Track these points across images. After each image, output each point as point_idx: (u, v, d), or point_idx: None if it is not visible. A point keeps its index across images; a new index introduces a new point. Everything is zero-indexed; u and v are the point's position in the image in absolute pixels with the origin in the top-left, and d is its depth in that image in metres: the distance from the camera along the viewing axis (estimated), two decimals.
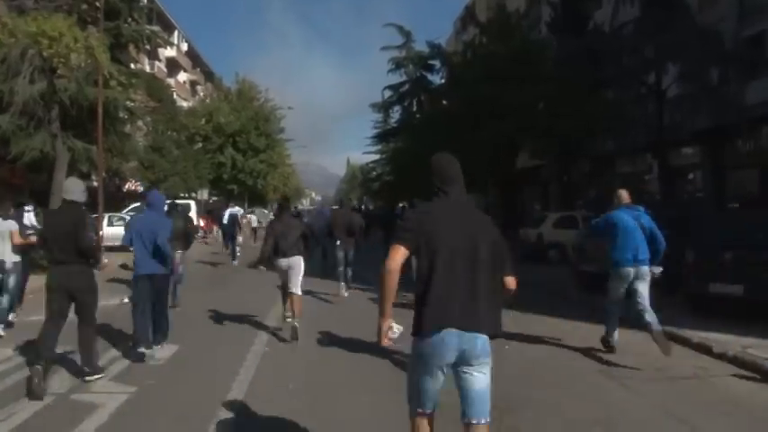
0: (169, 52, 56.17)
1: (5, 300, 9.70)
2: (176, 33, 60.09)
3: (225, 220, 22.92)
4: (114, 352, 8.17)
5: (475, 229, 3.66)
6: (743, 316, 9.05)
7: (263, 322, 10.31)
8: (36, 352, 6.68)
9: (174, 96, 49.09)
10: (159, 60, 54.40)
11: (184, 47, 64.52)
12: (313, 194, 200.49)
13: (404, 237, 3.60)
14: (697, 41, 18.08)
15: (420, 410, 3.76)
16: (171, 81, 55.70)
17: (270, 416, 5.72)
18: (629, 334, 9.07)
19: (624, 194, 8.02)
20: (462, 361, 3.52)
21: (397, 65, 44.45)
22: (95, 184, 24.99)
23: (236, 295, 13.70)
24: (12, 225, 9.80)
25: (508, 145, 23.62)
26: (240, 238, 23.08)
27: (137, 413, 5.83)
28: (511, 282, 3.84)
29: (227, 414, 5.69)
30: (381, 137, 51.63)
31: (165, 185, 36.40)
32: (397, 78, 44.80)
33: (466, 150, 23.69)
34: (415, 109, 43.58)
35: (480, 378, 3.63)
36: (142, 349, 7.83)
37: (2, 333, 9.40)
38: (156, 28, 33.73)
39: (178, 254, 11.27)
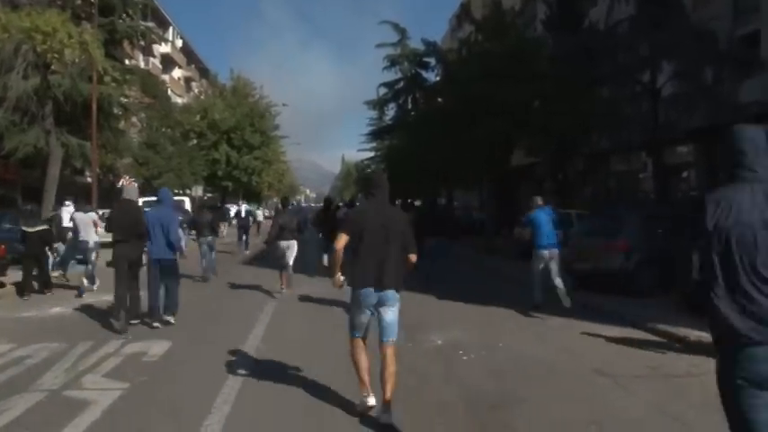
0: (164, 48, 56.03)
1: (90, 267, 13.30)
2: (171, 29, 59.93)
3: (242, 215, 26.20)
4: (107, 348, 8.14)
5: (389, 221, 5.49)
6: None
7: (258, 317, 10.30)
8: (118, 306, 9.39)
9: (169, 93, 49.01)
10: (154, 56, 54.21)
11: (179, 43, 64.35)
12: (307, 191, 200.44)
13: (345, 228, 5.57)
14: (691, 40, 18.11)
15: (357, 335, 5.69)
16: (165, 77, 55.53)
17: (263, 412, 5.71)
18: (624, 332, 9.12)
19: (538, 200, 11.03)
20: (379, 304, 5.45)
21: (393, 62, 44.33)
22: (89, 180, 24.94)
23: (233, 291, 13.68)
24: (93, 216, 13.37)
25: (503, 142, 23.61)
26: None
27: (130, 409, 5.80)
28: (412, 257, 5.61)
29: (219, 411, 5.67)
30: (376, 134, 51.59)
31: (160, 182, 36.34)
32: (392, 76, 44.72)
33: (461, 148, 23.74)
34: (410, 106, 43.52)
35: (390, 314, 5.51)
36: (156, 324, 9.55)
37: (94, 288, 13.09)
38: (150, 24, 33.64)
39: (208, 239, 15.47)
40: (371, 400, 5.48)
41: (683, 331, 8.44)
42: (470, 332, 9.06)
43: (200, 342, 8.68)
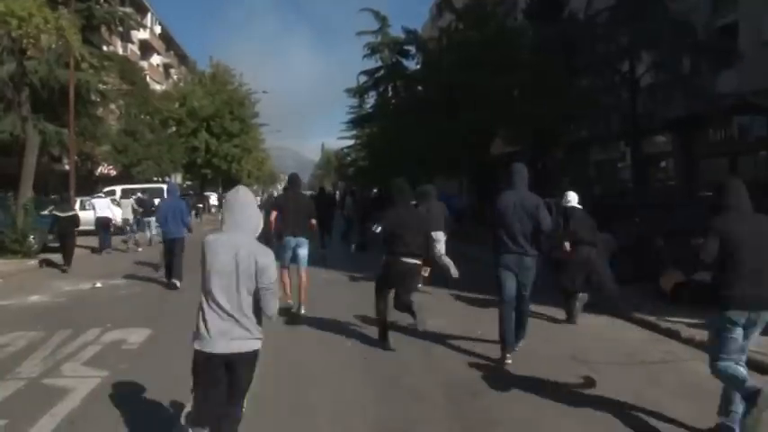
0: (142, 35, 55.36)
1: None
2: (149, 15, 59.18)
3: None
4: (86, 336, 8.12)
5: (299, 203, 9.75)
6: (712, 302, 9.18)
7: None
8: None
9: (148, 80, 48.43)
10: (132, 43, 53.54)
11: (158, 29, 63.57)
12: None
13: (276, 205, 10.28)
14: (670, 31, 18.21)
15: (283, 265, 9.18)
16: (144, 64, 54.90)
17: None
18: (601, 319, 9.24)
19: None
20: (295, 247, 9.52)
21: (373, 50, 44.11)
22: (67, 167, 24.65)
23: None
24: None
25: (483, 131, 23.67)
26: None
27: (109, 397, 5.82)
28: (312, 223, 9.94)
29: None
30: (356, 122, 51.42)
31: (138, 169, 36.03)
32: (372, 63, 44.53)
33: (440, 136, 23.77)
34: (390, 95, 43.40)
35: (302, 251, 9.67)
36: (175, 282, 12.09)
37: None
38: (128, 10, 33.31)
39: None
40: (292, 303, 9.65)
41: (656, 319, 8.59)
42: (450, 321, 9.11)
43: (179, 329, 8.64)
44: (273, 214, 10.02)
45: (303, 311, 9.42)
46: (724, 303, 4.73)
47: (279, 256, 7.63)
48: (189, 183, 51.73)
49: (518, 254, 6.91)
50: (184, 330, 8.39)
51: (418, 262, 7.51)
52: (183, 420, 4.31)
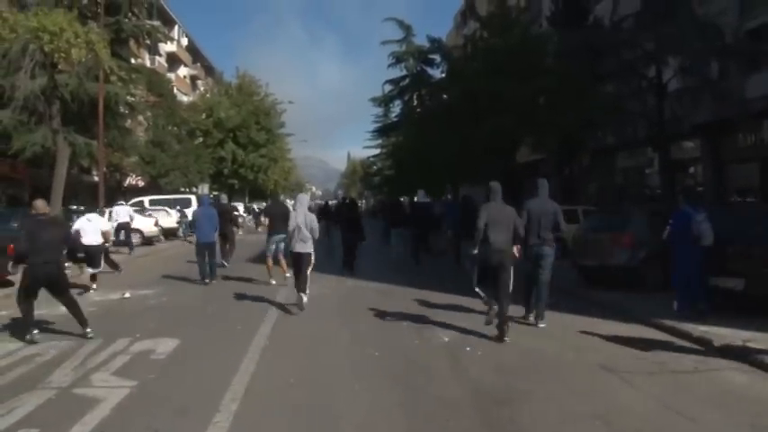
0: (169, 47, 56.14)
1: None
2: (176, 28, 60.03)
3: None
4: (116, 346, 8.20)
5: (284, 210, 13.90)
6: (744, 310, 9.05)
7: (266, 315, 10.34)
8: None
9: (175, 91, 49.06)
10: (160, 55, 54.32)
11: (185, 42, 64.43)
12: (313, 189, 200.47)
13: (266, 213, 15.27)
14: (697, 35, 17.99)
15: (268, 254, 14.13)
16: (171, 76, 55.61)
17: (270, 409, 5.76)
18: (629, 329, 9.12)
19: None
20: (279, 241, 13.85)
21: (398, 59, 44.23)
22: (96, 179, 25.01)
23: (242, 287, 13.72)
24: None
25: (508, 138, 23.59)
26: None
27: (139, 407, 5.87)
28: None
29: (227, 409, 5.72)
30: (382, 131, 51.55)
31: (166, 180, 36.43)
32: (397, 73, 44.62)
33: (466, 143, 23.72)
34: (415, 103, 43.45)
35: (282, 244, 13.80)
36: (206, 280, 14.14)
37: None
38: (156, 23, 33.70)
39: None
40: (273, 281, 13.75)
41: (688, 327, 8.45)
42: (477, 329, 9.07)
43: (207, 339, 8.74)
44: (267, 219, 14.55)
45: (305, 299, 10.88)
46: None
47: (267, 248, 14.25)
48: (216, 193, 52.19)
49: (539, 245, 9.35)
50: (212, 340, 8.59)
51: (508, 249, 8.69)
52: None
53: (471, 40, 28.49)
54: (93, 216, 13.77)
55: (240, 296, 12.41)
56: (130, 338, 8.55)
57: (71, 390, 6.40)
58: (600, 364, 7.09)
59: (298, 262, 10.93)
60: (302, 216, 10.93)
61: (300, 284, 10.82)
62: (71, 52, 16.50)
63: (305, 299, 10.77)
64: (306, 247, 10.89)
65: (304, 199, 11.59)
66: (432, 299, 11.92)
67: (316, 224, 11.08)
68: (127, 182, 38.71)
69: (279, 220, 13.57)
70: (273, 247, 14.06)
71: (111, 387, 6.47)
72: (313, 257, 11.07)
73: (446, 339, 8.47)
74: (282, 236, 13.24)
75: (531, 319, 9.60)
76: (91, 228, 13.22)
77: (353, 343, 8.43)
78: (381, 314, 10.48)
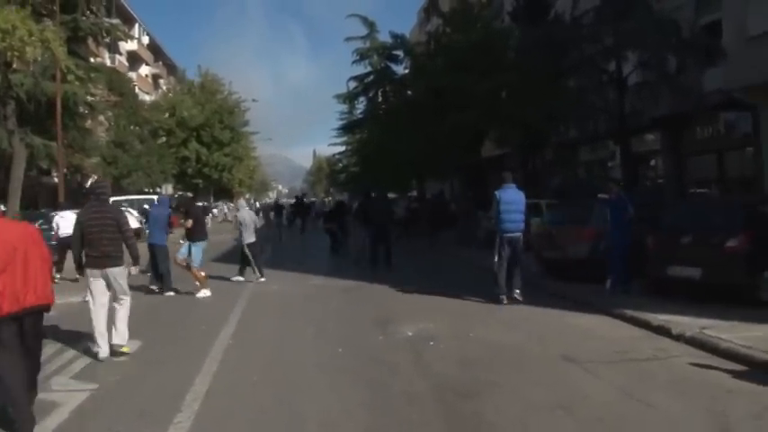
0: (130, 45, 55.23)
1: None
2: (137, 26, 59.04)
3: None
4: (76, 349, 8.05)
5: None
6: (701, 298, 9.23)
7: (230, 314, 10.26)
8: None
9: (137, 90, 48.35)
10: (120, 54, 53.40)
11: (146, 40, 63.42)
12: (279, 187, 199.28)
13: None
14: (655, 29, 18.29)
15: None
16: (133, 75, 54.76)
17: (232, 408, 5.71)
18: (592, 318, 9.26)
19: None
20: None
21: (362, 56, 43.83)
22: (56, 180, 24.52)
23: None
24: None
25: (472, 133, 23.73)
26: None
27: (98, 409, 5.78)
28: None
29: (188, 409, 5.66)
30: (347, 128, 51.32)
31: (129, 181, 35.91)
32: (361, 69, 44.41)
33: (430, 139, 23.81)
34: (380, 99, 43.37)
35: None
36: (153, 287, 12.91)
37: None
38: (115, 21, 33.14)
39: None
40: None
41: (648, 316, 8.60)
42: (441, 323, 9.12)
43: (170, 340, 8.64)
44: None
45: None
46: None
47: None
48: (180, 193, 51.65)
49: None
50: (175, 341, 8.50)
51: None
52: None
53: (434, 35, 28.58)
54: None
55: (209, 295, 12.32)
56: (91, 342, 8.39)
57: None
58: (562, 354, 7.18)
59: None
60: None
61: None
62: (25, 51, 16.10)
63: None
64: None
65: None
66: (396, 295, 11.98)
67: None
68: (88, 183, 38.02)
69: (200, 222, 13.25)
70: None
71: (71, 391, 6.36)
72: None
73: (410, 334, 8.49)
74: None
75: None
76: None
77: (318, 340, 8.42)
78: (346, 311, 10.51)
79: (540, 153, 28.34)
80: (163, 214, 13.34)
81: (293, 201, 38.19)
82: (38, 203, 29.29)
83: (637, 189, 20.79)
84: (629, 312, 9.01)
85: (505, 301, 10.50)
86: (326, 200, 62.36)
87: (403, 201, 36.32)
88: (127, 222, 7.83)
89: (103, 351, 7.58)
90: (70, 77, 20.41)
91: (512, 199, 10.71)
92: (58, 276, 14.62)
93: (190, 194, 44.60)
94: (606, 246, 11.20)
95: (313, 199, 67.89)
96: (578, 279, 11.87)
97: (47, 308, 5.71)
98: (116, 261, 7.70)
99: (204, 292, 12.21)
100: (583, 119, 22.17)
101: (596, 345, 7.66)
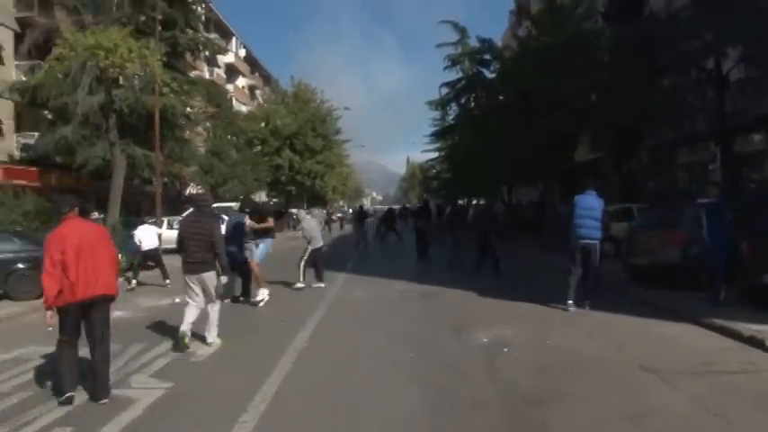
0: (228, 58, 57.36)
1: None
2: (234, 40, 61.32)
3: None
4: (159, 349, 8.38)
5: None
6: None
7: (308, 319, 10.40)
8: None
9: (234, 101, 50.12)
10: (218, 67, 55.59)
11: (242, 53, 65.76)
12: (374, 194, 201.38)
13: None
14: (758, 22, 17.25)
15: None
16: (230, 87, 56.84)
17: (297, 410, 5.77)
18: (677, 326, 8.79)
19: None
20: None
21: (453, 62, 43.71)
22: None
23: (289, 292, 13.89)
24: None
25: (563, 136, 23.14)
26: None
27: (170, 407, 5.99)
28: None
29: (255, 409, 5.76)
30: (439, 134, 51.26)
31: (225, 189, 37.17)
32: (453, 75, 44.27)
33: (520, 143, 23.39)
34: (471, 105, 43.10)
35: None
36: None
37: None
38: (212, 35, 34.51)
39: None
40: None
41: (739, 326, 8.07)
42: (519, 330, 8.92)
43: (250, 342, 8.86)
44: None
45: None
46: None
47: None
48: (275, 200, 53.05)
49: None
50: (253, 342, 8.70)
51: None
52: None
53: (523, 38, 28.12)
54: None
55: (290, 298, 12.57)
56: (172, 342, 8.72)
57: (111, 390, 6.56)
58: (641, 364, 6.84)
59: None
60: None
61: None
62: (126, 67, 17.04)
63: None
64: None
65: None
66: (475, 300, 11.81)
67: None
68: (187, 191, 39.64)
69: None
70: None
71: (148, 388, 6.61)
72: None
73: (485, 340, 8.34)
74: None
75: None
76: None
77: (392, 344, 8.39)
78: (423, 316, 10.46)
79: (634, 156, 27.28)
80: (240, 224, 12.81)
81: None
82: (140, 211, 30.83)
83: (738, 192, 19.62)
84: (719, 322, 8.49)
85: (573, 310, 10.29)
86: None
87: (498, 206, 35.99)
88: (217, 234, 8.51)
89: (182, 331, 8.41)
90: (165, 90, 21.40)
91: (589, 205, 10.46)
92: (135, 282, 15.38)
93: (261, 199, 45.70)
94: (700, 251, 10.58)
95: (408, 205, 68.08)
96: (667, 286, 11.32)
97: (112, 298, 6.52)
98: (209, 267, 8.46)
99: (263, 293, 12.12)
100: (678, 119, 21.20)
101: (679, 355, 7.27)
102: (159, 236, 16.07)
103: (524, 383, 6.36)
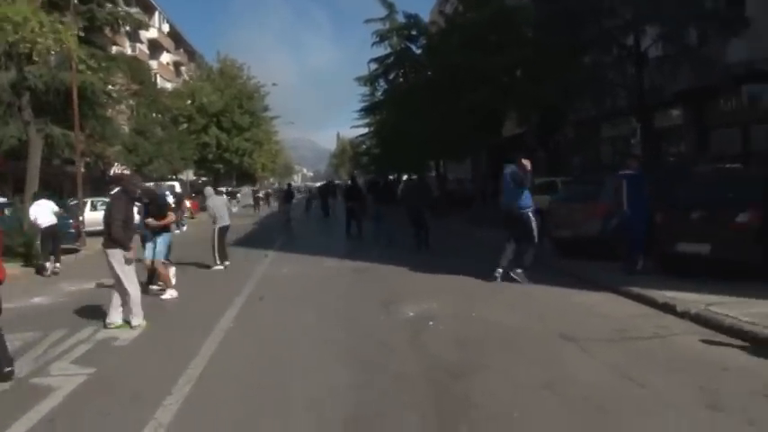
0: (151, 34, 55.60)
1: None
2: (157, 14, 59.39)
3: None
4: (80, 335, 8.13)
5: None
6: (710, 275, 9.03)
7: (235, 298, 10.29)
8: None
9: (158, 78, 48.68)
10: (141, 42, 53.79)
11: (166, 28, 63.78)
12: (305, 170, 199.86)
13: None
14: (674, 1, 17.82)
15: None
16: (154, 63, 55.11)
17: (223, 391, 5.70)
18: (595, 295, 9.12)
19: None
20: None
21: (381, 37, 43.64)
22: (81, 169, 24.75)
23: (215, 272, 13.71)
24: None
25: (489, 112, 23.45)
26: None
27: (92, 393, 5.83)
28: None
29: (179, 391, 5.68)
30: (368, 110, 51.25)
31: (150, 168, 36.22)
32: (382, 51, 44.21)
33: (447, 118, 23.59)
34: (400, 81, 43.15)
35: None
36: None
37: None
38: (134, 10, 33.31)
39: None
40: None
41: (654, 293, 8.43)
42: (445, 303, 9.07)
43: (174, 324, 8.71)
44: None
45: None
46: None
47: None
48: (204, 179, 52.04)
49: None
50: (178, 325, 8.55)
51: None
52: None
53: (449, 15, 28.24)
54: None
55: (211, 280, 12.41)
56: (96, 327, 8.48)
57: (28, 380, 6.34)
58: (561, 333, 7.06)
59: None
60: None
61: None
62: (37, 42, 16.15)
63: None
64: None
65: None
66: (405, 275, 11.96)
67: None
68: (112, 171, 38.42)
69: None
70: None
71: (68, 375, 6.42)
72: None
73: (411, 314, 8.45)
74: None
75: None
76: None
77: (320, 321, 8.41)
78: (352, 293, 10.53)
79: (560, 131, 27.93)
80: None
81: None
82: (62, 192, 29.69)
83: (656, 165, 20.39)
84: (636, 290, 8.85)
85: (497, 276, 10.61)
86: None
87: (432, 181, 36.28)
88: (113, 212, 8.43)
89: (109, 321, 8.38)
90: (81, 67, 20.43)
91: (506, 175, 10.77)
92: (53, 266, 14.79)
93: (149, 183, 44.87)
94: (620, 222, 10.93)
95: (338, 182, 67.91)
96: (589, 257, 11.70)
97: None
98: (110, 243, 8.37)
99: (171, 293, 10.75)
100: (600, 95, 21.76)
101: (597, 323, 7.54)
102: (57, 213, 15.02)
103: (449, 356, 6.47)
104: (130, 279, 8.44)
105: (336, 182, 59.69)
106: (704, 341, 6.56)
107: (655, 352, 6.29)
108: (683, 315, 7.49)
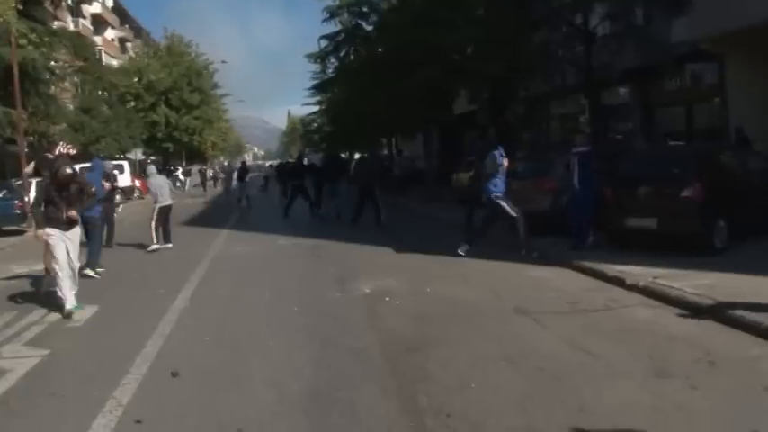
0: (94, 8, 53.86)
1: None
2: None
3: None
4: (31, 317, 7.98)
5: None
6: (658, 248, 9.33)
7: (190, 276, 10.22)
8: None
9: (103, 55, 47.27)
10: (84, 18, 52.03)
11: (110, 2, 61.77)
12: (255, 149, 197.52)
13: None
14: None
15: None
16: (98, 39, 53.40)
17: (180, 370, 5.66)
18: (549, 270, 9.34)
19: None
20: None
21: (332, 14, 43.20)
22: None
23: (170, 253, 13.54)
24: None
25: (440, 89, 23.55)
26: None
27: (46, 375, 5.75)
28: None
29: (137, 370, 5.64)
30: (319, 88, 50.82)
31: (97, 147, 35.31)
32: (332, 28, 43.77)
33: (397, 96, 23.61)
34: (351, 58, 42.85)
35: None
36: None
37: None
38: None
39: None
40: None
41: (604, 267, 8.68)
42: (400, 279, 9.16)
43: (128, 304, 8.61)
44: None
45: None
46: None
47: None
48: (152, 158, 51.01)
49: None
50: (132, 305, 8.46)
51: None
52: None
53: None
54: None
55: (166, 260, 12.24)
56: (47, 309, 8.31)
57: None
58: (515, 307, 7.22)
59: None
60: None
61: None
62: None
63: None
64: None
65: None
66: (360, 253, 12.03)
67: None
68: (57, 151, 37.27)
69: None
70: None
71: (21, 357, 6.31)
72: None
73: (367, 291, 8.53)
74: None
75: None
76: None
77: (276, 299, 8.42)
78: (307, 270, 10.55)
79: (511, 108, 28.22)
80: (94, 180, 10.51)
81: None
82: (5, 173, 28.74)
83: (604, 142, 20.83)
84: (588, 264, 9.09)
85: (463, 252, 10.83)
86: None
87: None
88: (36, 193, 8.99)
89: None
90: (22, 42, 19.73)
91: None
92: None
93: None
94: (570, 198, 11.16)
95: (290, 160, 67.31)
96: (542, 232, 11.89)
97: None
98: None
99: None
100: (550, 72, 22.04)
101: (550, 297, 7.73)
102: None
103: (404, 331, 6.56)
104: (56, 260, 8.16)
105: (289, 160, 59.06)
106: (651, 312, 6.81)
107: (606, 323, 6.50)
108: (632, 288, 7.74)
